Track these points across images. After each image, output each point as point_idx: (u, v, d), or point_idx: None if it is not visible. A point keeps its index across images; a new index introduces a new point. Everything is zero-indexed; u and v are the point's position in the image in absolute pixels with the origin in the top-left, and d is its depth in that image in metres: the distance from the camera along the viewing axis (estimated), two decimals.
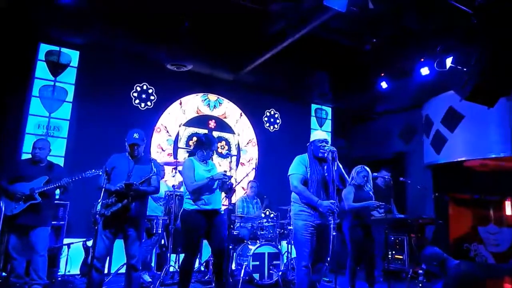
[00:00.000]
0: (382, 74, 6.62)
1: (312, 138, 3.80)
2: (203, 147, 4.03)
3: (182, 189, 6.28)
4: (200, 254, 5.67)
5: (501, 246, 6.56)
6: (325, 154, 3.57)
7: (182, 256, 5.54)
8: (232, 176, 3.99)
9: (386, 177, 5.71)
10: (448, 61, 5.12)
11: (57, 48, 5.98)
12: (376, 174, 5.29)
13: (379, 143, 8.29)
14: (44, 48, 5.90)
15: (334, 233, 3.62)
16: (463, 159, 6.37)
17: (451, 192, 6.97)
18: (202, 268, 5.56)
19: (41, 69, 5.88)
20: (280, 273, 5.20)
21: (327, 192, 3.58)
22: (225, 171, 3.96)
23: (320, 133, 3.85)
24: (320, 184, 3.59)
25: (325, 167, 3.63)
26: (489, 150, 5.96)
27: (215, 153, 4.10)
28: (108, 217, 3.62)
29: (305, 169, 3.64)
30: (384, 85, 6.64)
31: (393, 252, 6.15)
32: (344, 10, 4.06)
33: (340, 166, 3.67)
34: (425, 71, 5.84)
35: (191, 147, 4.58)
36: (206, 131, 7.06)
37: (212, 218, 3.90)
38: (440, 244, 6.44)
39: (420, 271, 5.66)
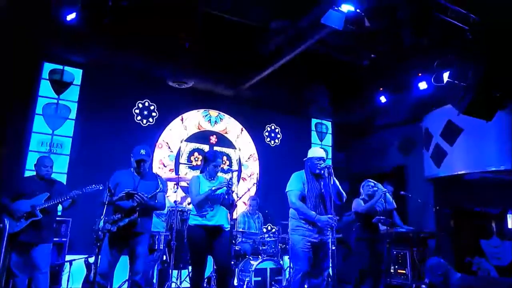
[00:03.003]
0: (381, 89, 6.70)
1: (310, 155, 3.85)
2: (207, 163, 4.07)
3: (184, 204, 6.30)
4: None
5: (504, 260, 6.52)
6: (322, 171, 3.66)
7: (184, 272, 5.56)
8: (232, 186, 3.99)
9: (387, 191, 5.70)
10: (446, 76, 5.19)
11: (60, 67, 6.09)
12: None
13: (379, 157, 8.31)
14: (48, 67, 6.03)
15: (333, 248, 3.64)
16: (463, 172, 6.38)
17: (452, 205, 6.96)
18: (204, 285, 5.53)
19: (45, 88, 5.98)
20: None
21: (325, 207, 3.64)
22: (225, 183, 3.93)
23: (318, 151, 3.90)
24: (317, 200, 3.65)
25: (322, 183, 3.71)
26: (488, 164, 5.98)
27: (219, 168, 4.11)
28: (114, 233, 3.63)
29: (302, 186, 3.70)
30: (383, 99, 6.71)
31: (396, 266, 6.12)
32: (341, 28, 4.15)
33: (337, 181, 3.74)
34: (423, 85, 5.90)
35: (192, 163, 4.64)
36: (207, 146, 7.12)
37: (216, 234, 3.92)
38: (443, 257, 6.41)
39: (423, 286, 5.63)
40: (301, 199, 3.66)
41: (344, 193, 3.83)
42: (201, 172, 4.16)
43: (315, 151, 3.87)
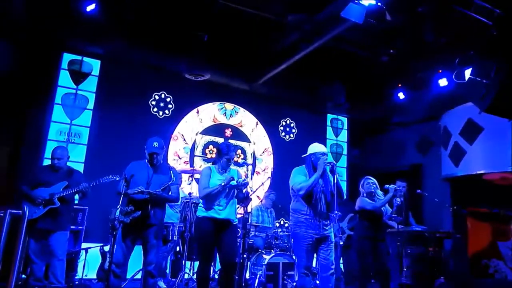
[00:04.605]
0: (399, 85, 6.58)
1: (313, 150, 3.88)
2: (221, 156, 3.98)
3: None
4: (214, 262, 5.67)
5: None
6: (326, 166, 3.73)
7: (197, 263, 5.60)
8: (247, 183, 3.94)
9: (401, 187, 5.57)
10: (467, 73, 5.05)
11: (79, 58, 6.17)
12: (388, 186, 5.14)
13: (395, 155, 8.19)
14: (67, 57, 6.11)
15: (341, 243, 3.67)
16: (482, 172, 6.25)
17: (469, 205, 6.81)
18: (216, 276, 5.56)
19: (64, 78, 6.07)
20: (294, 283, 5.17)
21: (327, 202, 3.73)
22: (232, 177, 3.84)
23: (320, 146, 3.95)
24: (319, 195, 3.72)
25: (322, 178, 3.76)
26: (509, 164, 5.84)
27: (232, 162, 4.07)
28: (127, 224, 3.68)
29: (305, 179, 3.76)
30: (401, 95, 6.59)
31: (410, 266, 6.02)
32: (362, 22, 4.08)
33: (338, 179, 3.80)
34: (443, 82, 5.78)
35: (207, 156, 4.63)
36: (222, 139, 7.13)
37: (224, 228, 3.81)
38: (459, 259, 6.30)
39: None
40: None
41: (344, 191, 3.89)
42: (213, 164, 4.06)
43: (318, 146, 3.91)
